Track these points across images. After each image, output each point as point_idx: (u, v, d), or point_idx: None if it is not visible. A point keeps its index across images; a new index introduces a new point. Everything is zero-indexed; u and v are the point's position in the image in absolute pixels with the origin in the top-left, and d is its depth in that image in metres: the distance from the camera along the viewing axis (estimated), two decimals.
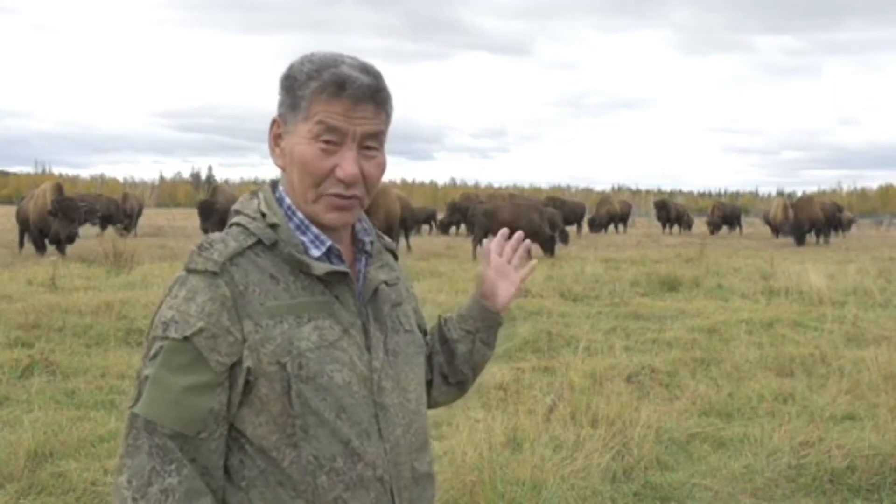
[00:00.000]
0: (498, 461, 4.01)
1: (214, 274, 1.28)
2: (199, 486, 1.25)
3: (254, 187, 1.47)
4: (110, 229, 26.15)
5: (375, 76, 1.36)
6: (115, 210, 28.28)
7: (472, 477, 3.84)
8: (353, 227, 1.46)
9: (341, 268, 1.36)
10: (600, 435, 4.51)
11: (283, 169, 1.39)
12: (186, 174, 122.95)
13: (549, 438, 4.47)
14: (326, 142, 1.32)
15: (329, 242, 1.38)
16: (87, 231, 26.32)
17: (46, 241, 17.42)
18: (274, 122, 1.39)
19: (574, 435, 4.55)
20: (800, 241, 27.10)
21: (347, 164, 1.33)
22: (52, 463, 4.40)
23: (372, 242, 1.47)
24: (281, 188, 1.42)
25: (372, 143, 1.36)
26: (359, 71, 1.34)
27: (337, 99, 1.31)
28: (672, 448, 4.85)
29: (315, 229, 1.38)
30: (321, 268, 1.34)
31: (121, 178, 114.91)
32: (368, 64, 1.37)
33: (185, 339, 1.25)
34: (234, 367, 1.27)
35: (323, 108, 1.32)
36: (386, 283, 1.46)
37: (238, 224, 1.37)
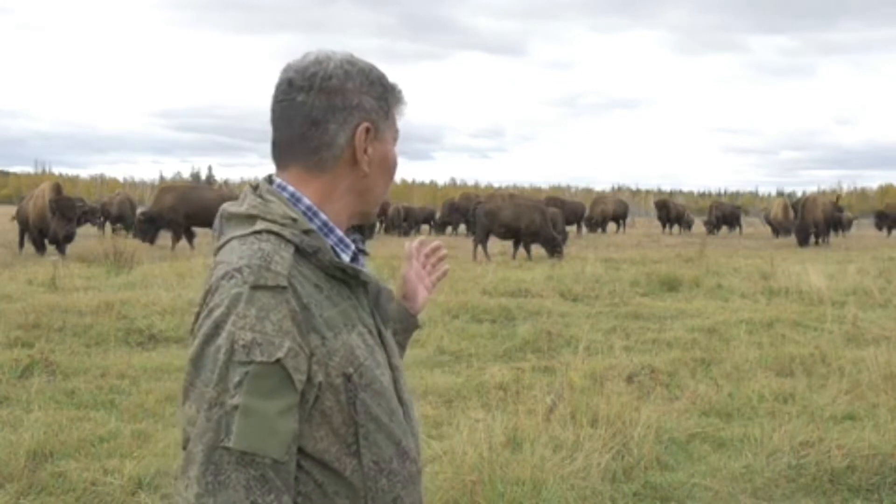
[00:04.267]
0: (498, 461, 4.01)
1: (283, 289, 1.22)
2: None
3: (254, 188, 1.43)
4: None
5: None
6: (129, 210, 27.40)
7: (472, 477, 3.84)
8: None
9: (370, 271, 1.39)
10: (600, 435, 4.51)
11: (366, 175, 1.38)
12: (186, 174, 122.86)
13: (549, 438, 4.47)
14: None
15: (353, 246, 1.39)
16: (86, 231, 26.32)
17: (46, 241, 17.44)
18: (367, 128, 1.36)
19: (574, 435, 4.55)
20: (803, 241, 26.81)
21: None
22: (52, 463, 4.40)
23: (362, 240, 1.48)
24: (290, 188, 1.36)
25: None
26: None
27: (401, 110, 1.44)
28: (672, 448, 4.85)
29: (339, 232, 1.37)
30: (370, 276, 1.38)
31: (120, 178, 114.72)
32: None
33: (277, 361, 1.19)
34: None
35: (398, 117, 1.43)
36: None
37: (269, 231, 1.28)
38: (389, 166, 1.41)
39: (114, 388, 5.99)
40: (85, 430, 4.90)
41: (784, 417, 5.23)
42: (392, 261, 13.70)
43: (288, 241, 1.27)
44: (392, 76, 1.43)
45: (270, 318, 1.20)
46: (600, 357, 6.94)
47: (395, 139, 1.42)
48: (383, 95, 1.39)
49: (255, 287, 1.21)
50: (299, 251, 1.28)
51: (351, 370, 1.27)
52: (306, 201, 1.35)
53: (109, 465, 4.30)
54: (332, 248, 1.33)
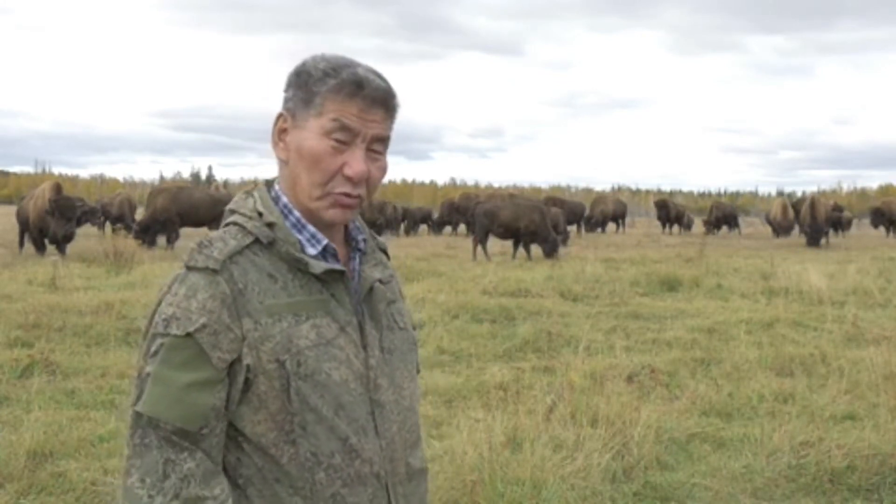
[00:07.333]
0: (498, 461, 4.01)
1: (214, 271, 1.30)
2: (212, 466, 1.28)
3: (251, 187, 1.46)
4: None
5: (388, 83, 1.39)
6: (129, 211, 27.16)
7: (472, 477, 3.84)
8: (345, 225, 1.47)
9: (338, 266, 1.37)
10: (600, 435, 4.51)
11: (286, 163, 1.39)
12: (186, 174, 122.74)
13: (549, 438, 4.47)
14: (338, 140, 1.34)
15: (325, 241, 1.39)
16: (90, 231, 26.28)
17: (46, 241, 17.43)
18: (280, 116, 1.40)
19: (574, 435, 4.55)
20: (815, 242, 26.51)
21: (357, 162, 1.34)
22: (52, 463, 4.39)
23: (365, 240, 1.49)
24: (277, 187, 1.42)
25: (378, 146, 1.39)
26: (374, 75, 1.37)
27: (353, 99, 1.34)
28: (672, 448, 4.85)
29: (311, 228, 1.39)
30: (319, 266, 1.35)
31: (120, 178, 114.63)
32: (379, 71, 1.40)
33: (188, 335, 1.27)
34: (234, 364, 1.29)
35: (338, 107, 1.34)
36: (380, 281, 1.47)
37: (235, 223, 1.38)
38: (304, 155, 1.35)
39: (114, 388, 5.99)
40: (85, 430, 4.90)
41: (784, 417, 5.23)
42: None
43: (248, 232, 1.35)
44: (390, 76, 1.41)
45: (197, 297, 1.28)
46: (600, 357, 6.93)
47: (323, 127, 1.33)
48: (303, 83, 1.36)
49: (189, 268, 1.32)
50: (260, 242, 1.34)
51: (285, 357, 1.29)
52: (284, 199, 1.40)
53: (109, 465, 4.30)
54: (301, 242, 1.37)
